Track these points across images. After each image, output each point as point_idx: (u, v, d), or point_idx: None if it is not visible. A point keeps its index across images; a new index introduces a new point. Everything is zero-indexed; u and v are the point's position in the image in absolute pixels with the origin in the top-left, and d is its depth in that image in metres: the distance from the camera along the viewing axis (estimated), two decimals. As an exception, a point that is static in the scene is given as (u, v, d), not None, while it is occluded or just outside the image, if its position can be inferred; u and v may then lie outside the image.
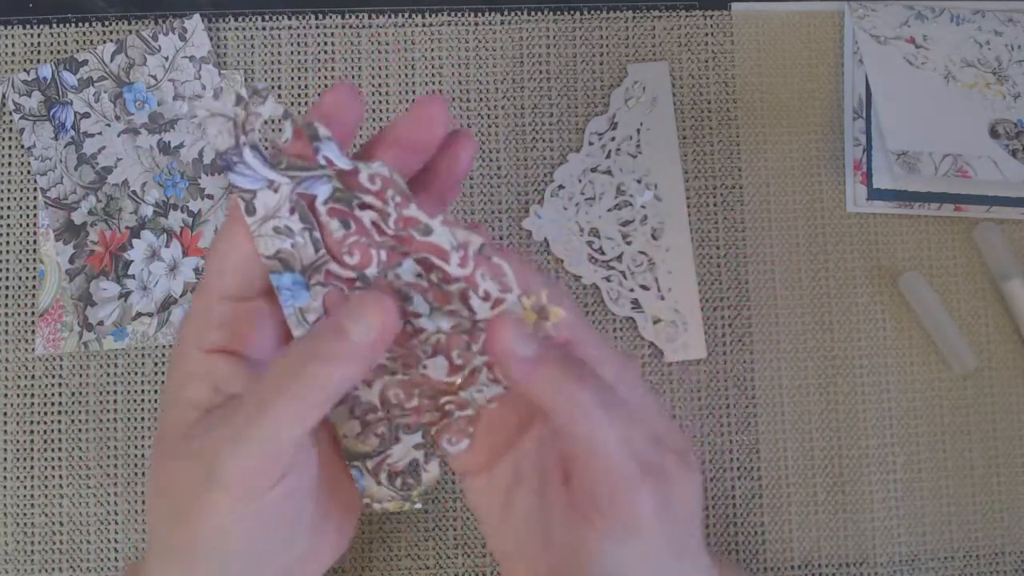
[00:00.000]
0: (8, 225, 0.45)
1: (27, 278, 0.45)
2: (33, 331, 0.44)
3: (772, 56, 0.49)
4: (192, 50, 0.46)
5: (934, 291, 0.46)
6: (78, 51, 0.46)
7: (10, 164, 0.46)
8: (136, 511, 0.44)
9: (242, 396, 0.27)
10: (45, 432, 0.44)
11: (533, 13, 0.48)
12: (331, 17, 0.47)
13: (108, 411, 0.44)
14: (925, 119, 0.47)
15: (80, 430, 0.44)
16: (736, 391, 0.46)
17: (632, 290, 0.46)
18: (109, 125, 0.45)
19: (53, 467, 0.44)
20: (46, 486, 0.44)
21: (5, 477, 0.44)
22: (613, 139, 0.47)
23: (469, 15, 0.48)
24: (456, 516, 0.44)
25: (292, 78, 0.47)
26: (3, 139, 0.46)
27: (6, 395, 0.44)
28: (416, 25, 0.47)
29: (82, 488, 0.44)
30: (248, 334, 0.29)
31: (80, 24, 0.47)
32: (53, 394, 0.44)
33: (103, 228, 0.45)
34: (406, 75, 0.47)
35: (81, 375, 0.44)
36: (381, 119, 0.47)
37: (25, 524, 0.43)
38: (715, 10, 0.48)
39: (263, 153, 0.27)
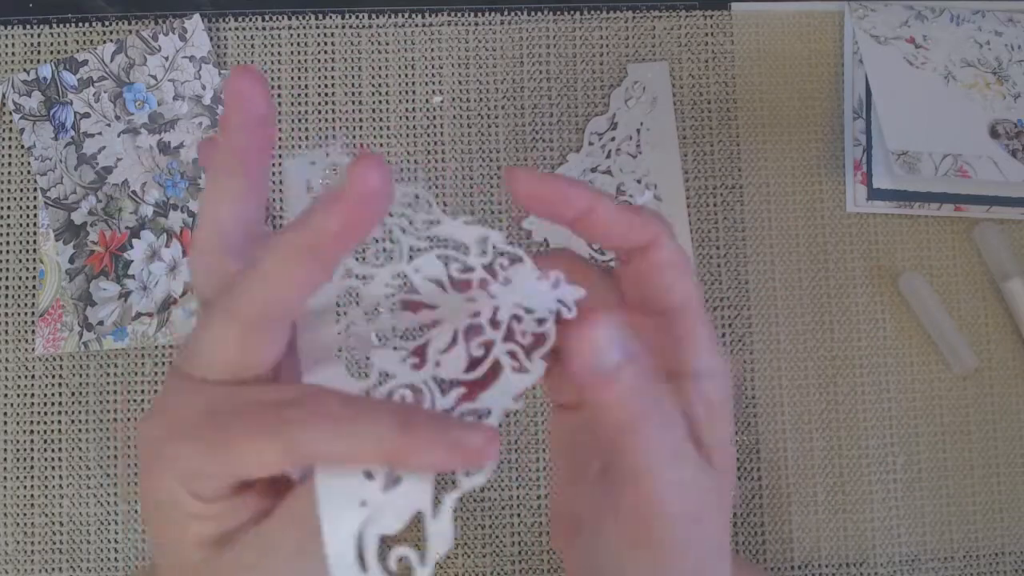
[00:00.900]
0: (8, 225, 0.45)
1: (27, 278, 0.45)
2: (33, 331, 0.44)
3: (772, 56, 0.49)
4: (192, 50, 0.46)
5: (934, 291, 0.46)
6: (78, 51, 0.46)
7: (10, 164, 0.46)
8: (136, 511, 0.44)
9: (251, 532, 0.24)
10: (45, 432, 0.44)
11: (533, 13, 0.48)
12: (331, 17, 0.47)
13: (108, 411, 0.44)
14: (925, 119, 0.47)
15: (80, 430, 0.44)
16: (736, 391, 0.46)
17: (632, 290, 0.46)
18: (109, 125, 0.45)
19: (53, 467, 0.44)
20: (46, 486, 0.44)
21: (5, 477, 0.44)
22: (613, 139, 0.47)
23: (469, 15, 0.48)
24: (456, 516, 0.44)
25: (292, 78, 0.47)
26: (3, 139, 0.46)
27: (6, 395, 0.44)
28: (416, 25, 0.47)
29: (82, 488, 0.44)
30: (219, 478, 0.23)
31: (80, 24, 0.47)
32: (53, 394, 0.44)
33: (103, 228, 0.45)
34: (406, 75, 0.47)
35: (81, 375, 0.44)
36: (381, 119, 0.47)
37: (25, 524, 0.43)
38: (715, 10, 0.48)
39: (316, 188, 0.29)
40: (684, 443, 0.25)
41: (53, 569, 0.43)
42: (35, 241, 0.45)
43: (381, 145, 0.47)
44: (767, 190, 0.48)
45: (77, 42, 0.46)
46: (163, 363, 0.45)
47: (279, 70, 0.47)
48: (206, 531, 0.23)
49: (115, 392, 0.44)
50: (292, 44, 0.47)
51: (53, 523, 0.43)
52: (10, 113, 0.45)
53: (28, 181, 0.45)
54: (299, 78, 0.47)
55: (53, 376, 0.44)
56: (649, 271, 0.27)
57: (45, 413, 0.44)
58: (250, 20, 0.47)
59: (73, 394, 0.44)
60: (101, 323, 0.44)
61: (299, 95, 0.47)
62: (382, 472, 0.23)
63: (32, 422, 0.44)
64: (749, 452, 0.45)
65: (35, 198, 0.45)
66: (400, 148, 0.47)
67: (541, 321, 0.27)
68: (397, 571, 0.23)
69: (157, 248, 0.45)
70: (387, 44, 0.47)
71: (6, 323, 0.45)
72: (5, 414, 0.44)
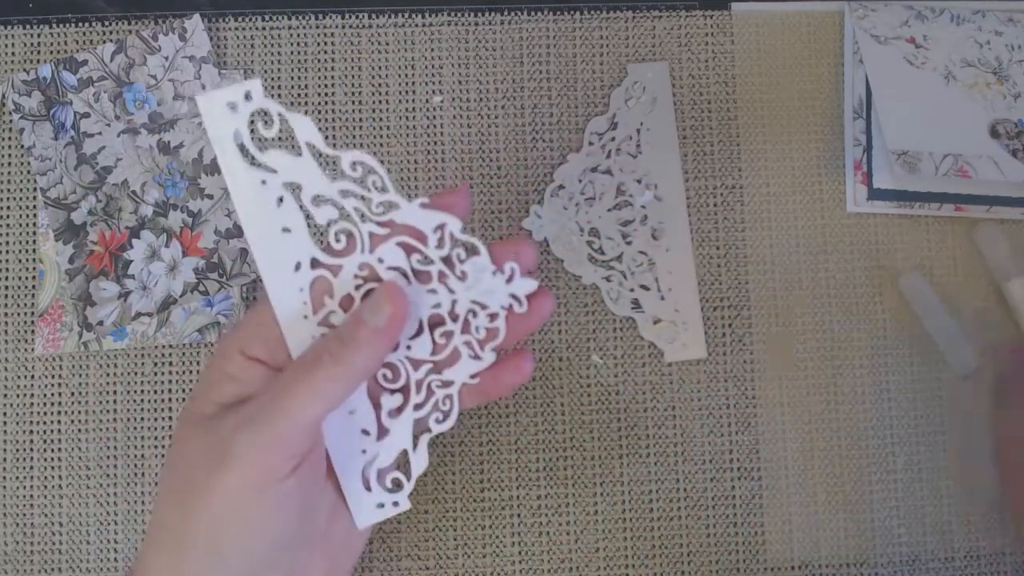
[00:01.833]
0: (8, 225, 0.45)
1: (27, 278, 0.45)
2: (33, 331, 0.44)
3: (772, 56, 0.48)
4: (192, 50, 0.46)
5: (934, 291, 0.46)
6: (78, 51, 0.46)
7: (10, 164, 0.46)
8: (136, 511, 0.44)
9: (265, 385, 0.30)
10: (45, 432, 0.44)
11: (533, 13, 0.48)
12: (331, 17, 0.47)
13: (108, 411, 0.44)
14: (925, 119, 0.47)
15: (80, 430, 0.44)
16: (736, 391, 0.46)
17: (632, 290, 0.46)
18: (109, 125, 0.45)
19: (53, 467, 0.44)
20: (46, 486, 0.44)
21: (5, 477, 0.44)
22: (613, 139, 0.47)
23: (469, 15, 0.48)
24: (456, 516, 0.44)
25: (292, 78, 0.47)
26: (3, 139, 0.46)
27: (6, 395, 0.44)
28: (416, 25, 0.47)
29: (82, 488, 0.44)
30: (280, 353, 0.31)
31: (80, 24, 0.47)
32: (53, 394, 0.44)
33: (103, 228, 0.45)
34: (406, 75, 0.47)
35: (81, 375, 0.44)
36: (381, 119, 0.47)
37: (25, 524, 0.43)
38: (715, 10, 0.48)
39: (248, 147, 0.29)
40: None
41: (53, 569, 0.43)
42: (35, 241, 0.45)
43: (381, 145, 0.47)
44: (767, 190, 0.48)
45: (77, 42, 0.46)
46: (163, 363, 0.45)
47: (279, 70, 0.47)
48: (229, 391, 0.30)
49: (115, 392, 0.44)
50: (292, 44, 0.47)
51: (53, 523, 0.43)
52: (10, 113, 0.45)
53: (28, 181, 0.45)
54: (299, 78, 0.47)
55: (53, 376, 0.44)
56: None
57: (45, 413, 0.44)
58: (250, 20, 0.47)
59: (73, 394, 0.44)
60: (101, 323, 0.44)
61: (299, 95, 0.47)
62: (375, 427, 0.32)
63: (32, 422, 0.44)
64: (749, 452, 0.45)
65: (35, 198, 0.45)
66: (400, 148, 0.47)
67: (493, 316, 0.30)
68: (391, 487, 0.32)
69: (157, 248, 0.45)
70: (387, 44, 0.47)
71: (6, 323, 0.45)
72: (5, 414, 0.44)
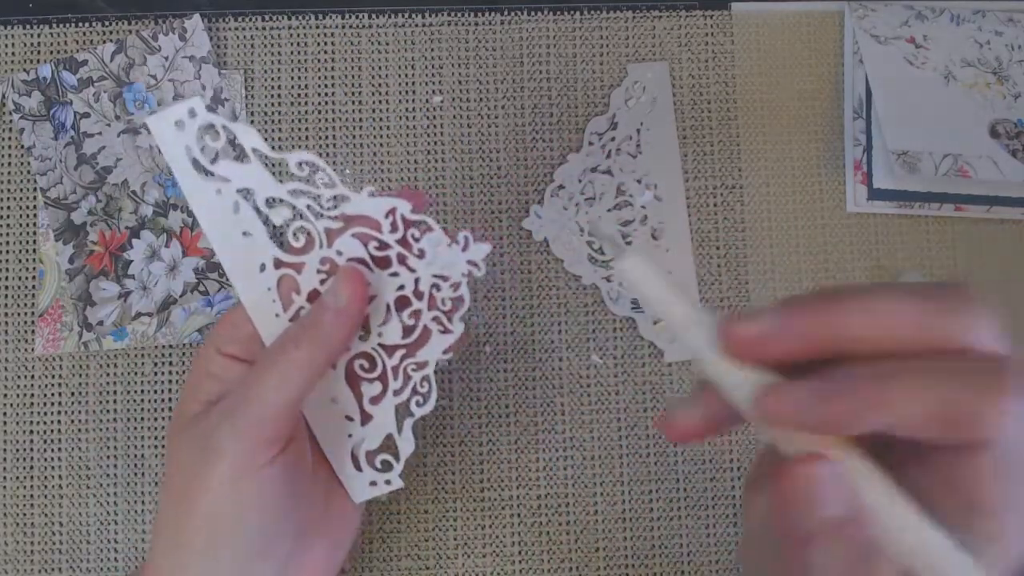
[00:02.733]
0: (8, 225, 0.45)
1: (27, 278, 0.45)
2: (33, 331, 0.44)
3: (772, 56, 0.48)
4: (192, 50, 0.46)
5: (934, 291, 0.46)
6: (78, 51, 0.46)
7: (10, 164, 0.46)
8: (136, 511, 0.43)
9: (239, 379, 0.31)
10: (45, 432, 0.44)
11: (533, 13, 0.48)
12: (331, 17, 0.47)
13: (108, 411, 0.44)
14: (925, 119, 0.47)
15: (80, 430, 0.44)
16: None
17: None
18: (109, 125, 0.45)
19: (53, 467, 0.44)
20: (46, 486, 0.44)
21: (5, 477, 0.44)
22: (613, 139, 0.47)
23: (469, 15, 0.48)
24: (456, 516, 0.44)
25: (292, 78, 0.47)
26: (3, 139, 0.46)
27: (6, 395, 0.44)
28: (416, 25, 0.47)
29: (82, 488, 0.44)
30: (257, 347, 0.32)
31: (80, 24, 0.47)
32: (53, 394, 0.44)
33: (103, 228, 0.45)
34: (406, 75, 0.47)
35: (81, 375, 0.44)
36: (381, 119, 0.47)
37: (25, 524, 0.43)
38: (715, 10, 0.48)
39: (199, 160, 0.31)
40: None
41: (53, 569, 0.43)
42: (35, 241, 0.45)
43: (381, 145, 0.47)
44: (767, 190, 0.48)
45: (77, 42, 0.46)
46: (163, 363, 0.45)
47: (279, 70, 0.47)
48: (212, 389, 0.31)
49: (115, 392, 0.44)
50: (292, 44, 0.47)
51: (53, 523, 0.43)
52: (10, 113, 0.45)
53: (28, 181, 0.45)
54: (299, 78, 0.47)
55: (53, 376, 0.44)
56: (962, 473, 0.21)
57: (45, 413, 0.44)
58: (250, 20, 0.47)
59: (73, 394, 0.44)
60: (101, 323, 0.44)
61: (299, 95, 0.47)
62: (358, 413, 0.33)
63: (32, 422, 0.44)
64: (749, 452, 0.45)
65: (35, 198, 0.45)
66: (400, 148, 0.47)
67: (456, 286, 0.31)
68: (381, 467, 0.34)
69: (157, 248, 0.45)
70: (387, 44, 0.47)
71: (6, 323, 0.45)
72: (5, 414, 0.44)
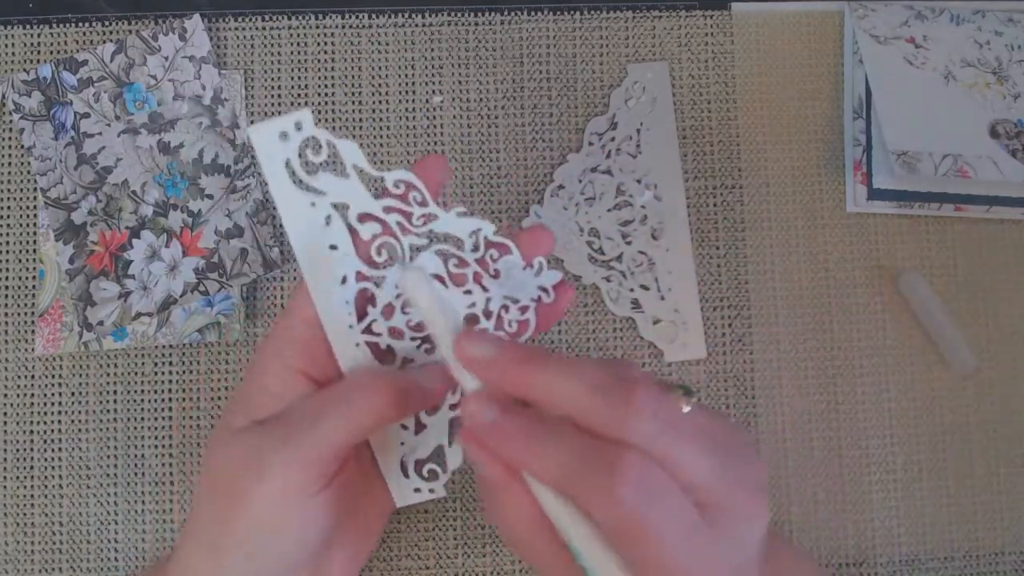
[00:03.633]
0: (8, 225, 0.45)
1: (27, 278, 0.45)
2: (33, 331, 0.44)
3: (772, 56, 0.49)
4: (192, 50, 0.46)
5: (934, 291, 0.46)
6: (78, 51, 0.46)
7: (10, 164, 0.46)
8: (136, 511, 0.44)
9: (295, 404, 0.31)
10: (45, 432, 0.44)
11: (533, 13, 0.48)
12: (331, 17, 0.47)
13: (108, 411, 0.44)
14: (925, 119, 0.47)
15: (80, 430, 0.44)
16: (736, 391, 0.46)
17: (632, 290, 0.46)
18: (109, 125, 0.45)
19: (53, 467, 0.44)
20: (46, 486, 0.44)
21: (5, 477, 0.44)
22: (613, 139, 0.47)
23: (469, 15, 0.48)
24: (456, 516, 0.44)
25: (292, 78, 0.47)
26: (3, 139, 0.46)
27: (6, 395, 0.44)
28: (416, 25, 0.47)
29: (82, 488, 0.44)
30: (320, 355, 0.32)
31: (80, 24, 0.47)
32: (53, 394, 0.44)
33: (103, 228, 0.45)
34: (406, 75, 0.47)
35: (81, 375, 0.44)
36: (381, 119, 0.47)
37: (25, 524, 0.43)
38: (715, 10, 0.48)
39: (299, 174, 0.30)
40: (692, 525, 0.26)
41: (53, 569, 0.43)
42: (35, 241, 0.45)
43: (381, 145, 0.47)
44: (767, 190, 0.48)
45: (77, 42, 0.46)
46: (163, 363, 0.45)
47: (279, 70, 0.47)
48: (266, 406, 0.31)
49: (115, 392, 0.44)
50: (292, 44, 0.47)
51: (53, 523, 0.43)
52: (10, 113, 0.45)
53: (28, 181, 0.45)
54: (299, 78, 0.47)
55: (53, 376, 0.44)
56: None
57: (45, 413, 0.44)
58: (250, 20, 0.47)
59: (73, 394, 0.44)
60: (101, 323, 0.44)
61: (299, 95, 0.47)
62: (412, 423, 0.33)
63: (32, 422, 0.44)
64: (749, 452, 0.45)
65: (35, 198, 0.45)
66: (400, 148, 0.47)
67: (524, 309, 0.32)
68: (427, 476, 0.34)
69: (157, 248, 0.45)
70: (387, 44, 0.47)
71: (6, 323, 0.45)
72: (5, 414, 0.44)
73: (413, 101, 0.47)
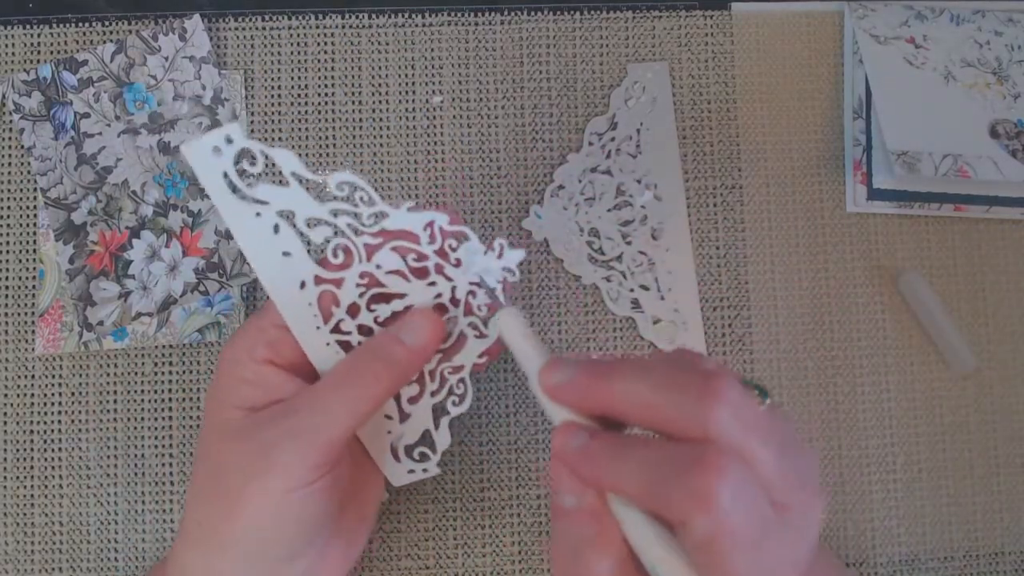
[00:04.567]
0: (8, 225, 0.45)
1: (27, 278, 0.45)
2: (33, 331, 0.44)
3: (772, 56, 0.49)
4: (192, 50, 0.46)
5: (934, 291, 0.46)
6: (78, 51, 0.46)
7: (10, 164, 0.46)
8: (136, 511, 0.44)
9: (293, 397, 0.31)
10: (45, 432, 0.44)
11: (533, 13, 0.48)
12: (331, 17, 0.47)
13: (108, 411, 0.44)
14: (925, 119, 0.47)
15: (80, 430, 0.44)
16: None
17: (632, 290, 0.46)
18: (109, 125, 0.45)
19: (53, 467, 0.44)
20: (46, 486, 0.44)
21: (5, 477, 0.44)
22: (613, 139, 0.47)
23: (469, 15, 0.48)
24: (456, 516, 0.44)
25: (292, 78, 0.47)
26: (3, 139, 0.46)
27: (6, 395, 0.44)
28: (416, 25, 0.47)
29: (82, 488, 0.44)
30: (286, 349, 0.32)
31: (80, 24, 0.47)
32: (53, 394, 0.44)
33: (103, 228, 0.45)
34: (406, 75, 0.47)
35: (81, 375, 0.44)
36: (381, 119, 0.47)
37: (25, 524, 0.43)
38: (715, 10, 0.48)
39: (237, 185, 0.31)
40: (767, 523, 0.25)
41: (53, 569, 0.43)
42: (35, 241, 0.45)
43: (381, 145, 0.47)
44: (767, 190, 0.48)
45: (77, 42, 0.46)
46: (163, 363, 0.45)
47: (279, 70, 0.47)
48: (252, 395, 0.31)
49: (115, 392, 0.44)
50: (292, 44, 0.47)
51: (53, 523, 0.43)
52: (10, 113, 0.45)
53: (28, 181, 0.45)
54: (299, 78, 0.47)
55: (53, 376, 0.44)
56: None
57: (45, 413, 0.44)
58: (250, 20, 0.47)
59: (73, 394, 0.44)
60: (101, 323, 0.44)
61: (299, 95, 0.47)
62: (396, 411, 0.34)
63: (32, 422, 0.44)
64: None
65: (35, 198, 0.45)
66: (400, 148, 0.47)
67: (492, 291, 0.33)
68: (418, 459, 0.35)
69: (157, 248, 0.45)
70: (387, 44, 0.47)
71: (6, 323, 0.45)
72: (5, 414, 0.44)
73: (413, 101, 0.47)
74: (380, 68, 0.47)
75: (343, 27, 0.47)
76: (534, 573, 0.44)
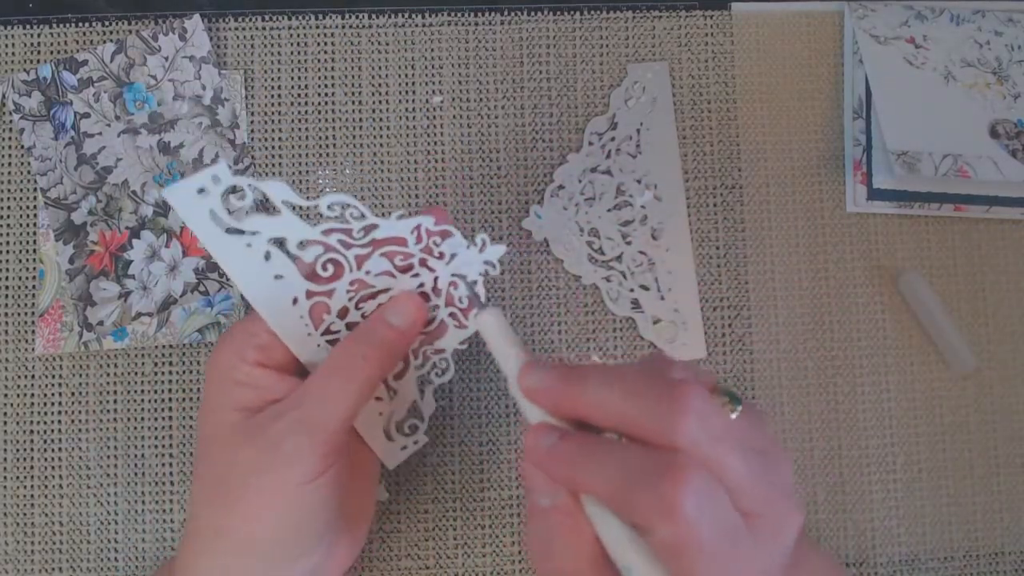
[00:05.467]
0: (8, 225, 0.45)
1: (27, 278, 0.45)
2: (33, 331, 0.44)
3: (772, 56, 0.48)
4: (192, 50, 0.46)
5: (934, 291, 0.46)
6: (78, 51, 0.46)
7: (10, 164, 0.46)
8: (136, 511, 0.44)
9: (290, 394, 0.32)
10: (45, 432, 0.44)
11: (533, 13, 0.48)
12: (331, 17, 0.47)
13: (108, 411, 0.44)
14: (925, 119, 0.47)
15: (80, 430, 0.44)
16: (736, 391, 0.46)
17: (632, 290, 0.46)
18: (109, 125, 0.45)
19: (53, 467, 0.44)
20: (46, 486, 0.44)
21: (5, 477, 0.44)
22: (613, 139, 0.47)
23: (469, 15, 0.48)
24: (456, 516, 0.44)
25: (292, 78, 0.47)
26: (3, 139, 0.46)
27: (6, 395, 0.44)
28: (416, 25, 0.47)
29: (82, 488, 0.44)
30: (275, 352, 0.33)
31: (80, 24, 0.47)
32: (53, 394, 0.44)
33: (103, 228, 0.45)
34: (406, 75, 0.47)
35: (81, 375, 0.44)
36: (381, 119, 0.47)
37: (25, 524, 0.43)
38: (715, 10, 0.48)
39: (226, 221, 0.31)
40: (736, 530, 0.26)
41: (53, 569, 0.43)
42: (35, 241, 0.45)
43: (381, 145, 0.47)
44: (767, 190, 0.48)
45: (77, 42, 0.46)
46: (163, 363, 0.45)
47: (279, 70, 0.47)
48: (247, 397, 0.32)
49: (115, 392, 0.44)
50: (292, 44, 0.47)
51: (53, 523, 0.43)
52: (10, 113, 0.45)
53: (28, 181, 0.45)
54: (299, 78, 0.47)
55: (53, 376, 0.44)
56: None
57: (45, 413, 0.44)
58: (250, 20, 0.47)
59: (73, 394, 0.44)
60: (101, 323, 0.44)
61: (299, 95, 0.47)
62: (386, 392, 0.35)
63: (32, 422, 0.44)
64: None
65: (35, 198, 0.45)
66: (400, 148, 0.47)
67: (473, 285, 0.34)
68: (408, 432, 0.36)
69: (157, 248, 0.45)
70: (387, 44, 0.47)
71: (6, 323, 0.45)
72: (5, 414, 0.44)
73: (413, 101, 0.47)
74: (380, 68, 0.47)
75: (343, 27, 0.47)
76: (533, 573, 0.44)
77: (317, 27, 0.47)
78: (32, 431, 0.44)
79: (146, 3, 0.47)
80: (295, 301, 0.33)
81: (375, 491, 0.37)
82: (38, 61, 0.46)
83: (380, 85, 0.47)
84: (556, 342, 0.46)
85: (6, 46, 0.46)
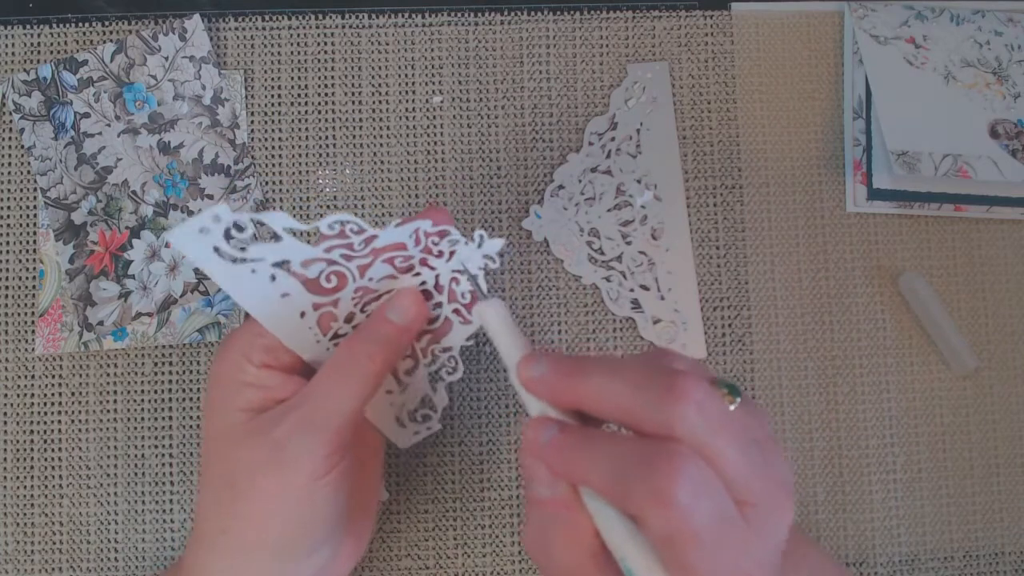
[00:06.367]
0: (8, 225, 0.45)
1: (27, 278, 0.45)
2: (33, 331, 0.44)
3: (772, 56, 0.48)
4: (192, 50, 0.46)
5: (934, 291, 0.46)
6: (78, 51, 0.46)
7: (10, 164, 0.46)
8: (136, 511, 0.44)
9: (296, 393, 0.32)
10: (45, 432, 0.44)
11: (533, 13, 0.48)
12: (331, 17, 0.47)
13: (108, 411, 0.44)
14: (925, 119, 0.47)
15: (80, 430, 0.44)
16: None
17: (632, 290, 0.46)
18: (109, 125, 0.45)
19: (53, 467, 0.44)
20: (46, 486, 0.44)
21: (5, 477, 0.44)
22: (613, 139, 0.47)
23: (469, 15, 0.48)
24: (456, 516, 0.44)
25: (292, 78, 0.47)
26: (3, 139, 0.46)
27: (6, 395, 0.44)
28: (416, 25, 0.47)
29: (82, 488, 0.44)
30: (282, 355, 0.33)
31: (80, 24, 0.47)
32: (53, 394, 0.44)
33: (103, 228, 0.45)
34: (406, 75, 0.47)
35: (81, 375, 0.44)
36: (381, 119, 0.47)
37: (25, 524, 0.43)
38: (715, 10, 0.48)
39: (231, 254, 0.31)
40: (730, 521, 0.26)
41: (53, 569, 0.43)
42: (35, 241, 0.45)
43: (381, 145, 0.47)
44: (767, 190, 0.48)
45: (77, 42, 0.46)
46: (163, 363, 0.45)
47: (279, 70, 0.47)
48: (254, 398, 0.32)
49: (115, 392, 0.44)
50: (292, 44, 0.47)
51: (53, 523, 0.43)
52: (10, 113, 0.45)
53: (28, 181, 0.45)
54: (299, 78, 0.47)
55: (53, 376, 0.44)
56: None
57: (45, 413, 0.44)
58: (250, 20, 0.47)
59: (73, 394, 0.44)
60: (101, 323, 0.44)
61: (299, 95, 0.47)
62: (396, 385, 0.36)
63: (32, 422, 0.44)
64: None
65: (35, 198, 0.45)
66: (400, 148, 0.47)
67: (475, 278, 0.34)
68: (421, 420, 0.37)
69: (157, 248, 0.45)
70: (387, 44, 0.47)
71: (6, 323, 0.45)
72: (5, 414, 0.44)
73: (413, 101, 0.47)
74: (380, 68, 0.47)
75: (343, 27, 0.47)
76: (534, 573, 0.44)
77: (317, 27, 0.47)
78: (32, 431, 0.44)
79: (146, 3, 0.47)
80: (303, 315, 0.33)
81: (379, 489, 0.38)
82: (38, 61, 0.46)
83: (380, 85, 0.47)
84: (556, 342, 0.46)
85: (6, 46, 0.46)
